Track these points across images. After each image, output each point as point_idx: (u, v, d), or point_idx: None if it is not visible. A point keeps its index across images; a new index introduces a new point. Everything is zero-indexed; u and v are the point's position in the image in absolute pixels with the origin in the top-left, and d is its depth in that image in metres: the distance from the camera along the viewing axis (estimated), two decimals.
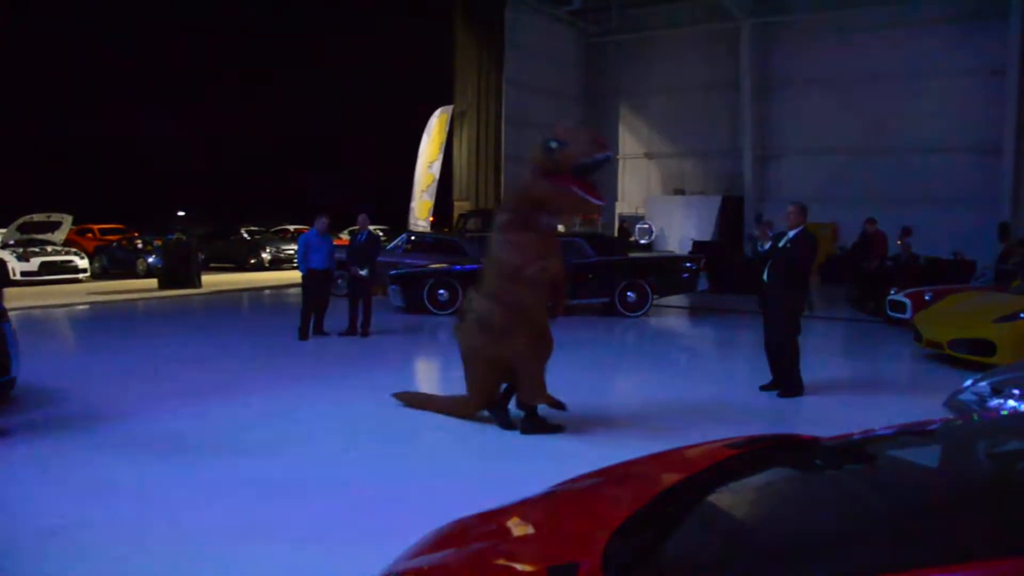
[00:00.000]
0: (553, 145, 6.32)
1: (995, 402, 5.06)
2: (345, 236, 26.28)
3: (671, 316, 15.43)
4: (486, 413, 7.03)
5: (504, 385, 7.04)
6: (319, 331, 11.74)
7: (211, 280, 20.51)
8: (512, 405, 7.02)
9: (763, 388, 8.44)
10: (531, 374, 6.70)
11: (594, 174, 6.56)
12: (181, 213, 31.62)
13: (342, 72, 39.54)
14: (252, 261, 26.19)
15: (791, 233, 8.15)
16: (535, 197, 6.57)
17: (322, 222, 11.61)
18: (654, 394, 8.62)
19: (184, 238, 19.65)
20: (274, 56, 39.23)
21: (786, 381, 8.25)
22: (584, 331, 13.05)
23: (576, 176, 6.33)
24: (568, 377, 9.41)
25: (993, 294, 11.29)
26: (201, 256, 21.36)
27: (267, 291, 19.50)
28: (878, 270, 15.22)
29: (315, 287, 11.59)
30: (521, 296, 6.58)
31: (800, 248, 8.08)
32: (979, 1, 21.84)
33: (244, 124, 39.82)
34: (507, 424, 6.86)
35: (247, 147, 40.36)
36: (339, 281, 15.18)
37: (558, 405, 6.85)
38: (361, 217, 12.06)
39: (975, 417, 4.58)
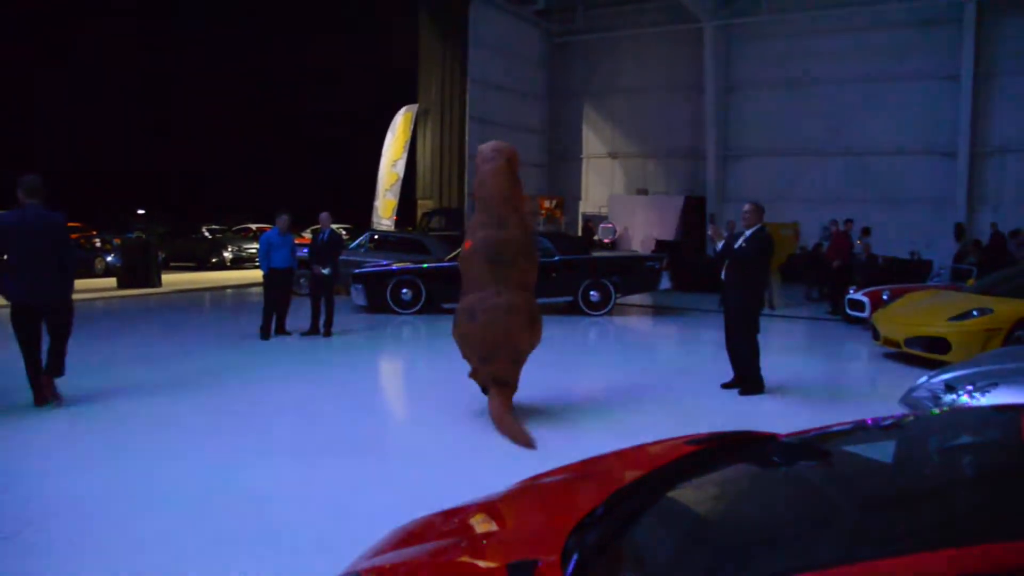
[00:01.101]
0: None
1: (948, 398, 5.15)
2: (307, 235, 26.09)
3: (634, 315, 15.52)
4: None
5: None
6: (281, 330, 11.65)
7: (172, 279, 20.26)
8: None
9: (724, 386, 8.52)
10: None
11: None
12: (141, 211, 31.20)
13: (305, 71, 39.27)
14: (213, 260, 25.93)
15: (747, 232, 8.24)
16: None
17: (283, 220, 11.52)
18: (616, 392, 8.65)
19: (144, 236, 19.39)
20: (236, 54, 38.81)
21: (746, 379, 8.34)
22: (547, 329, 13.06)
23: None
24: (532, 374, 9.44)
25: (948, 293, 11.50)
26: (161, 255, 21.08)
27: (229, 290, 19.29)
28: (839, 269, 15.45)
29: (277, 286, 11.50)
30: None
31: (755, 247, 8.17)
32: (934, 8, 22.22)
33: (204, 122, 39.40)
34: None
35: (208, 145, 39.91)
36: (301, 280, 15.09)
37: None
38: (323, 216, 11.99)
39: (931, 413, 4.67)
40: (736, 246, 8.29)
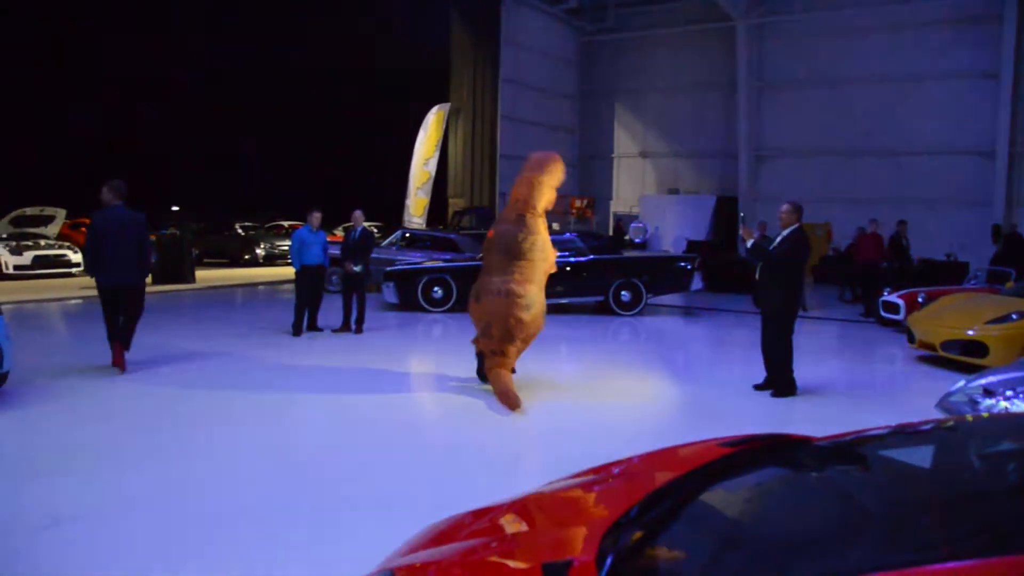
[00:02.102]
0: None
1: (987, 403, 5.08)
2: (339, 232, 26.25)
3: (665, 315, 15.45)
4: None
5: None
6: (313, 327, 11.74)
7: (205, 276, 20.49)
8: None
9: (757, 387, 8.46)
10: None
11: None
12: (175, 208, 31.57)
13: (338, 70, 39.47)
14: (246, 257, 26.16)
15: (784, 232, 8.16)
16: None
17: (315, 217, 11.61)
18: (647, 392, 8.62)
19: (178, 233, 19.64)
20: (271, 52, 39.14)
21: (779, 381, 8.27)
22: (578, 329, 13.06)
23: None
24: (564, 374, 9.44)
25: (986, 296, 11.33)
26: (195, 251, 21.32)
27: (261, 287, 19.47)
28: (873, 272, 15.28)
29: (308, 283, 11.58)
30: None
31: (791, 248, 8.09)
32: (974, 4, 21.90)
33: (240, 120, 39.77)
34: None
35: (242, 144, 40.30)
36: (333, 277, 15.20)
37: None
38: (356, 213, 12.05)
39: (968, 418, 4.61)
40: (772, 247, 8.22)
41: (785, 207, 8.25)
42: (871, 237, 15.50)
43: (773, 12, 24.80)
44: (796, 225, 8.12)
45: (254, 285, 19.67)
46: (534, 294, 8.00)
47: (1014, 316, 9.69)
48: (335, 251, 13.31)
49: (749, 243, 8.41)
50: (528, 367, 9.04)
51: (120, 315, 8.72)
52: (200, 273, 20.24)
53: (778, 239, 8.24)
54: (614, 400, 8.33)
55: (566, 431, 6.75)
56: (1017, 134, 21.61)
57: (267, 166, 41.39)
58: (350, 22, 37.03)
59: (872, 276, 15.26)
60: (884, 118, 23.26)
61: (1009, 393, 5.04)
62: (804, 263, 8.36)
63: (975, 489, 2.42)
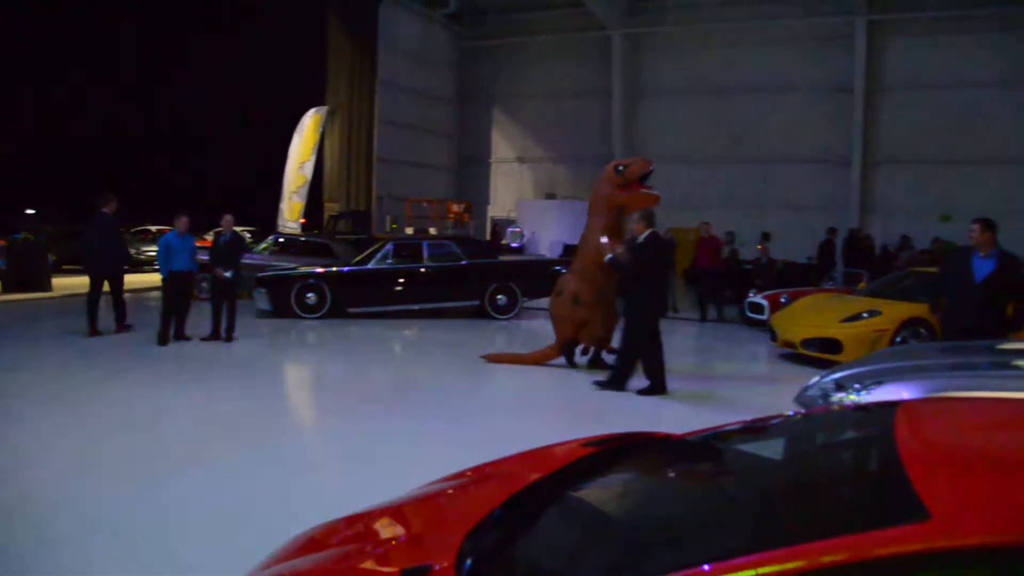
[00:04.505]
0: (620, 168, 9.62)
1: (837, 396, 5.35)
2: (209, 237, 25.40)
3: (541, 319, 15.61)
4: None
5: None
6: (180, 335, 11.32)
7: (63, 283, 19.39)
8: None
9: (641, 392, 8.63)
10: (608, 332, 9.78)
11: (648, 178, 9.56)
12: (30, 211, 29.76)
13: (210, 71, 38.24)
14: None
15: (639, 239, 8.47)
16: (618, 203, 9.49)
17: (182, 222, 11.23)
18: (518, 394, 8.71)
19: (32, 238, 18.52)
20: (140, 53, 37.59)
21: (646, 381, 8.50)
22: (455, 334, 13.07)
23: (640, 183, 9.46)
24: (440, 378, 9.43)
25: (841, 296, 11.98)
26: (52, 257, 20.18)
27: (126, 294, 18.59)
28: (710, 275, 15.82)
29: (176, 290, 11.17)
30: (605, 279, 9.43)
31: (645, 254, 8.36)
32: (830, 23, 23.17)
33: (104, 122, 38.01)
34: (572, 364, 9.95)
35: (106, 145, 38.50)
36: (202, 284, 14.70)
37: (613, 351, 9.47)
38: (226, 218, 11.71)
39: (818, 412, 4.84)
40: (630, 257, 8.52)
41: (636, 216, 8.61)
42: (707, 241, 15.87)
43: (647, 23, 25.48)
44: (648, 232, 8.44)
45: None
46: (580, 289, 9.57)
47: (865, 315, 10.31)
48: (205, 256, 12.87)
49: (608, 257, 8.67)
50: (413, 370, 8.99)
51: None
52: (57, 280, 19.15)
53: (633, 245, 8.55)
54: (487, 402, 8.37)
55: (440, 436, 6.73)
56: (869, 145, 22.97)
57: (132, 169, 39.64)
58: (223, 21, 35.98)
59: (707, 281, 15.73)
60: (753, 127, 24.24)
61: (857, 386, 5.31)
62: (661, 268, 8.66)
63: (819, 477, 2.54)
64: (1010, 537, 1.69)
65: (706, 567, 1.80)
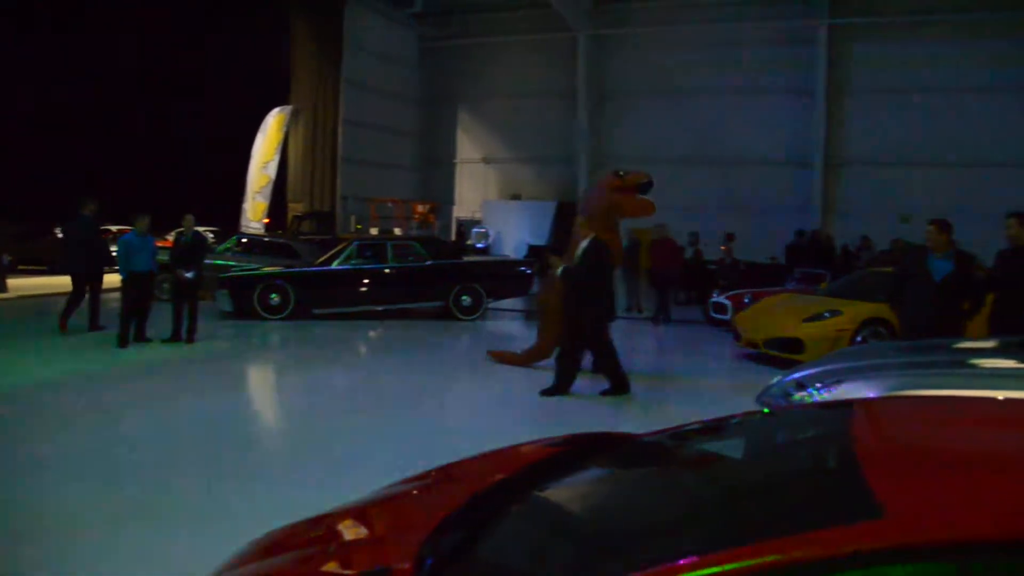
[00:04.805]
0: (621, 173, 9.64)
1: (798, 396, 5.41)
2: (171, 238, 25.04)
3: (506, 319, 15.64)
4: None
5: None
6: (141, 338, 11.15)
7: (19, 284, 19.04)
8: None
9: (603, 393, 8.66)
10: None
11: (647, 191, 9.66)
12: None
13: (173, 70, 37.71)
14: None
15: (583, 244, 8.51)
16: (612, 204, 9.38)
17: (143, 222, 11.07)
18: (482, 395, 8.70)
19: None
20: (99, 52, 36.93)
21: (611, 381, 8.53)
22: (420, 334, 13.03)
23: (638, 191, 9.52)
24: (405, 379, 9.39)
25: (803, 296, 12.11)
26: (8, 258, 19.78)
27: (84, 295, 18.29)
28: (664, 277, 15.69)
29: (136, 291, 11.00)
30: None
31: (587, 259, 8.44)
32: (793, 27, 23.45)
33: (63, 120, 37.37)
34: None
35: (65, 143, 37.84)
36: (164, 284, 14.50)
37: None
38: (187, 217, 11.56)
39: (778, 410, 4.88)
40: (574, 264, 8.55)
41: (579, 220, 8.67)
42: (662, 243, 15.76)
43: (613, 24, 25.59)
44: (591, 237, 8.49)
45: None
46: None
47: (826, 314, 10.44)
48: (166, 257, 12.69)
49: (560, 270, 8.65)
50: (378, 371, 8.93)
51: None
52: (13, 282, 18.79)
53: (578, 253, 8.58)
54: (454, 402, 8.35)
55: (404, 437, 6.70)
56: (831, 147, 23.28)
57: (93, 168, 38.98)
58: (186, 20, 35.51)
59: (663, 283, 15.47)
60: (716, 130, 24.42)
61: (818, 385, 5.38)
62: (603, 271, 8.68)
63: (777, 475, 2.55)
64: (964, 534, 1.71)
65: (661, 567, 1.80)
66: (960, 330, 7.09)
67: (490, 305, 15.07)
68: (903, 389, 4.84)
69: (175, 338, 11.24)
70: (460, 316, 14.52)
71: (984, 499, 1.86)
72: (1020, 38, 21.09)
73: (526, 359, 9.98)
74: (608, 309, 8.90)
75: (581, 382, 8.63)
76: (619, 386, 8.49)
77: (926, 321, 7.03)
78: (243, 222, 22.79)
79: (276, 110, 23.40)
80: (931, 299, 7.14)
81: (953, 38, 21.71)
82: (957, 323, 7.12)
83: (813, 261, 17.12)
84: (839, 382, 5.27)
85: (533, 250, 22.03)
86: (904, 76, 22.14)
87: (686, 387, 9.44)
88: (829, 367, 5.74)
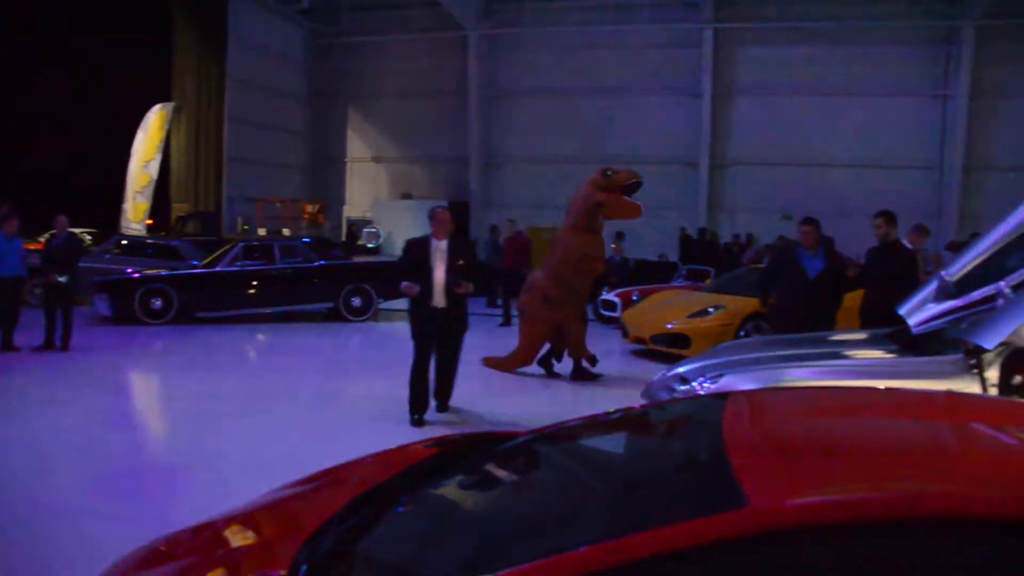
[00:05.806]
0: (609, 172, 9.86)
1: (681, 389, 5.55)
2: (43, 240, 23.88)
3: (398, 320, 15.49)
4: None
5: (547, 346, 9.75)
6: (8, 346, 10.57)
7: None
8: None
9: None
10: (578, 336, 9.43)
11: (634, 192, 10.04)
12: None
13: (44, 62, 35.93)
14: None
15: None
16: (597, 203, 9.53)
17: (11, 223, 10.51)
18: (368, 396, 8.62)
19: None
20: None
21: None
22: (309, 338, 12.81)
23: (624, 192, 9.75)
24: (300, 382, 9.21)
25: (689, 293, 12.46)
26: None
27: None
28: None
29: (3, 296, 10.44)
30: (578, 279, 9.46)
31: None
32: (681, 30, 24.07)
33: None
34: (552, 374, 9.82)
35: None
36: (35, 289, 13.80)
37: (593, 360, 9.56)
38: (60, 219, 11.03)
39: (665, 403, 4.99)
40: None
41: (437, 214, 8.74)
42: (512, 240, 15.75)
43: (503, 24, 25.69)
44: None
45: None
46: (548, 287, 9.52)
47: (711, 310, 10.76)
48: (37, 260, 12.07)
49: (403, 285, 8.55)
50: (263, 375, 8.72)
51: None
52: None
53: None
54: (350, 405, 8.25)
55: (291, 440, 6.57)
56: (716, 147, 24.04)
57: None
58: (60, 10, 33.91)
59: (512, 281, 15.02)
60: (606, 130, 24.78)
61: (701, 379, 5.54)
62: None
63: (651, 469, 2.60)
64: (824, 518, 1.78)
65: (526, 565, 1.81)
66: (830, 324, 7.44)
67: (381, 306, 14.90)
68: (782, 381, 5.03)
69: (47, 346, 10.72)
70: (350, 317, 14.32)
71: (841, 484, 1.93)
72: (897, 44, 22.32)
73: (509, 363, 9.84)
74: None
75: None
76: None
77: (797, 316, 7.35)
78: (123, 223, 21.91)
79: (157, 107, 22.58)
80: (805, 295, 7.46)
81: (828, 44, 22.70)
82: (827, 317, 7.47)
83: (700, 259, 17.63)
84: (721, 375, 5.44)
85: None
86: (784, 79, 23.01)
87: (574, 383, 9.54)
88: (712, 361, 5.92)
